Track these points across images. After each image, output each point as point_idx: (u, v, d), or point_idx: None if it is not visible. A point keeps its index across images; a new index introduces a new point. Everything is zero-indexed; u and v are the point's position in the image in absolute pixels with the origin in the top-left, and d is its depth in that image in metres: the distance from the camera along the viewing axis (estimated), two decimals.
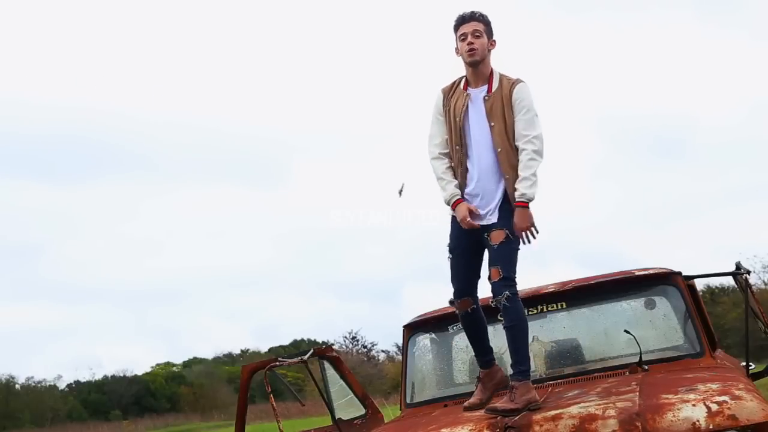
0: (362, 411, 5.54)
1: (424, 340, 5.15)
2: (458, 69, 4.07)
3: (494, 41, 3.98)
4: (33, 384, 48.43)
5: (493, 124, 3.85)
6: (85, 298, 73.68)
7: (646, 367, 4.27)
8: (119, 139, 67.37)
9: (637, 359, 4.33)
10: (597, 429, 3.25)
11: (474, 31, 3.90)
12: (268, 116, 72.63)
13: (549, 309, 4.80)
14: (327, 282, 71.71)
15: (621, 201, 59.49)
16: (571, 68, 64.40)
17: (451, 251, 3.99)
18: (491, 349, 4.06)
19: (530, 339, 4.62)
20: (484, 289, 4.01)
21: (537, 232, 3.85)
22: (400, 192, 4.31)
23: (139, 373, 53.38)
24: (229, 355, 58.11)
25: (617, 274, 4.79)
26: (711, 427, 3.11)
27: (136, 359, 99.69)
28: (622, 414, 3.28)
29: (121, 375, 52.50)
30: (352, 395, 5.58)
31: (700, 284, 8.64)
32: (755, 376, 5.03)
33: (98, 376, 52.75)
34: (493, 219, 3.85)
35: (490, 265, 3.82)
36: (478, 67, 3.94)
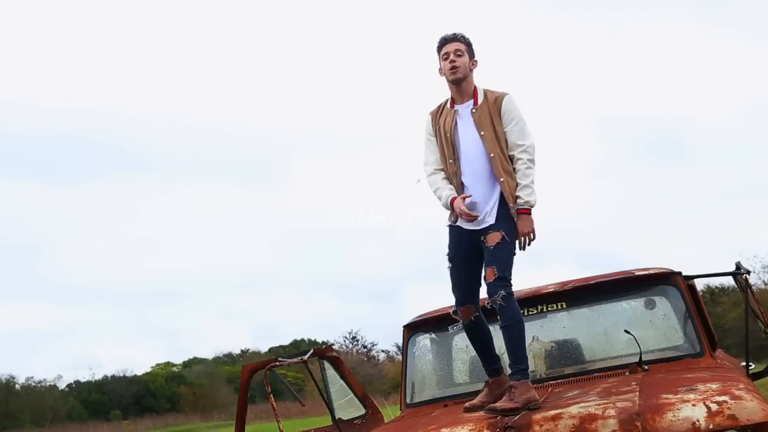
0: (362, 411, 5.54)
1: (424, 340, 5.15)
2: (444, 90, 4.20)
3: (476, 61, 4.13)
4: (33, 384, 48.53)
5: (483, 132, 3.98)
6: (85, 298, 73.82)
7: (646, 367, 4.27)
8: (119, 140, 67.50)
9: (637, 359, 4.33)
10: (597, 429, 3.25)
11: (456, 51, 4.05)
12: (268, 116, 72.79)
13: (549, 309, 4.80)
14: (327, 282, 71.80)
15: (620, 201, 59.62)
16: (570, 69, 64.52)
17: (450, 260, 4.08)
18: (498, 357, 4.09)
19: (530, 339, 4.65)
20: (484, 293, 4.04)
21: (534, 239, 3.95)
22: (417, 182, 4.37)
23: (139, 373, 53.51)
24: (229, 355, 58.14)
25: (617, 274, 4.79)
26: (711, 426, 3.11)
27: (136, 359, 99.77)
28: (622, 414, 3.28)
29: (121, 375, 52.59)
30: (352, 395, 5.58)
31: (700, 284, 8.66)
32: (755, 376, 5.03)
33: (98, 376, 52.88)
34: (490, 221, 3.95)
35: (486, 265, 3.90)
36: (461, 85, 4.08)
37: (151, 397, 51.08)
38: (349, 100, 70.05)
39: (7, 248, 64.13)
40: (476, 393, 4.23)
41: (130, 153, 70.22)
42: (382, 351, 46.60)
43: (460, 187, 4.03)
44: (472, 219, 3.95)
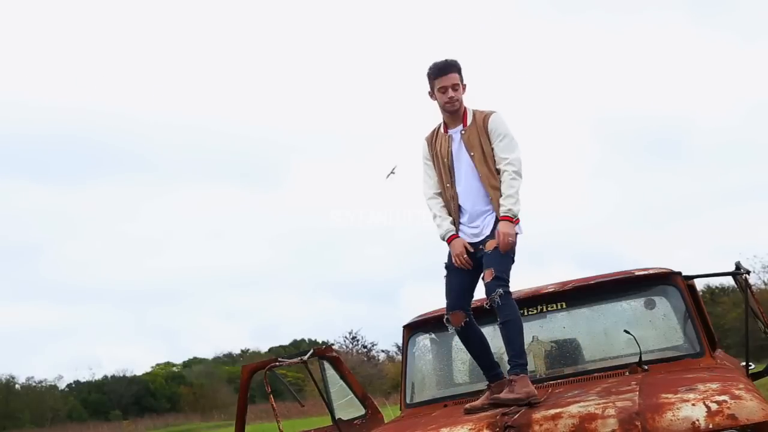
0: (362, 411, 5.54)
1: (424, 340, 5.15)
2: (436, 112, 4.29)
3: (465, 85, 4.23)
4: (33, 384, 48.57)
5: (472, 153, 4.15)
6: (85, 298, 73.79)
7: (646, 367, 4.27)
8: (119, 140, 67.46)
9: (637, 359, 4.33)
10: (597, 428, 3.25)
11: (453, 85, 4.16)
12: (267, 117, 72.77)
13: (549, 309, 4.81)
14: (326, 282, 71.80)
15: (620, 201, 59.61)
16: (569, 69, 64.48)
17: (446, 268, 4.21)
18: (497, 363, 4.17)
19: (530, 339, 4.66)
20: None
21: (513, 243, 4.02)
22: (390, 174, 4.53)
23: (139, 373, 53.54)
24: (229, 355, 58.15)
25: (617, 274, 4.80)
26: (711, 426, 3.11)
27: (136, 359, 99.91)
28: (621, 413, 3.28)
29: (121, 375, 52.63)
30: (352, 395, 5.58)
31: (700, 284, 8.66)
32: (755, 376, 5.03)
33: (98, 376, 52.91)
34: (487, 233, 4.10)
35: (485, 268, 4.02)
36: (455, 113, 4.22)
37: (151, 397, 51.09)
38: (348, 100, 70.00)
39: (7, 248, 64.24)
40: (476, 393, 4.24)
41: (130, 153, 70.34)
42: (382, 351, 46.72)
43: (457, 210, 4.18)
44: (464, 264, 4.09)
